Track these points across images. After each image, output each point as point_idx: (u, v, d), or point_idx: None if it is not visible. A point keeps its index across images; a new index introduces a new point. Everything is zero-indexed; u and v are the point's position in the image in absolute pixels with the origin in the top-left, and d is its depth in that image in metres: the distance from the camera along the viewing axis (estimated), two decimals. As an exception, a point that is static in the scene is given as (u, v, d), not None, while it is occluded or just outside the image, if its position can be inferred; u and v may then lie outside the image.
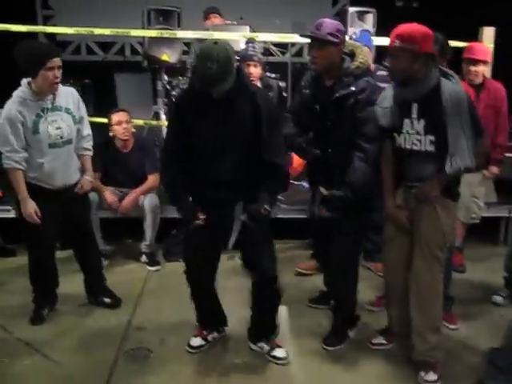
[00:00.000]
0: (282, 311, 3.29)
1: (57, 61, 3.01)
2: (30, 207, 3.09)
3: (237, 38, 4.62)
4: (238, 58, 3.35)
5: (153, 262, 4.21)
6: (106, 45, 7.83)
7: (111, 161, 4.16)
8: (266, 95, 2.84)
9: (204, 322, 3.15)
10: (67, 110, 3.17)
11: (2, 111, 3.10)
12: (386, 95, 2.78)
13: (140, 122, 4.67)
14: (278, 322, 3.10)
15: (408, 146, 2.71)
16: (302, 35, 2.94)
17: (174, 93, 5.13)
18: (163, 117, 4.99)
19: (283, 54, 7.50)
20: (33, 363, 2.92)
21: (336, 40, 2.76)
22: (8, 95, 3.13)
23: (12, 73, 3.08)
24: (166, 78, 5.14)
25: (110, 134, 4.16)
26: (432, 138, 2.65)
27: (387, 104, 2.75)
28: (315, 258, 4.01)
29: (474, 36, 4.81)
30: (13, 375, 2.83)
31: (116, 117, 4.13)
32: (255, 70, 3.95)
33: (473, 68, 3.70)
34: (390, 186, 2.86)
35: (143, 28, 4.92)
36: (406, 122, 2.70)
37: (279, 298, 2.98)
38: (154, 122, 4.94)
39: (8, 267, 4.12)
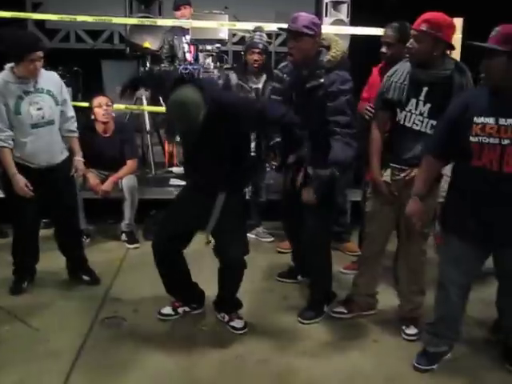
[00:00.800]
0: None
1: (38, 54, 3.14)
2: (21, 182, 3.22)
3: (215, 26, 4.77)
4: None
5: (132, 240, 4.38)
6: (94, 33, 7.98)
7: (92, 144, 4.24)
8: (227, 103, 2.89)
9: (170, 294, 3.29)
10: (49, 92, 3.30)
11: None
12: (401, 71, 2.92)
13: (121, 106, 4.83)
14: (239, 299, 3.24)
15: (408, 124, 2.90)
16: (279, 28, 3.13)
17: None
18: (145, 102, 5.15)
19: (269, 43, 7.64)
20: (13, 328, 3.11)
21: (311, 32, 2.94)
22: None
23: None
24: (149, 65, 5.29)
25: (92, 117, 4.31)
26: (434, 122, 2.83)
27: (400, 79, 2.90)
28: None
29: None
30: (-7, 339, 3.01)
31: (96, 100, 4.28)
32: (259, 58, 4.13)
33: None
34: (378, 158, 3.04)
35: (125, 16, 5.07)
36: (412, 101, 2.87)
37: (240, 281, 3.11)
38: (135, 107, 5.09)
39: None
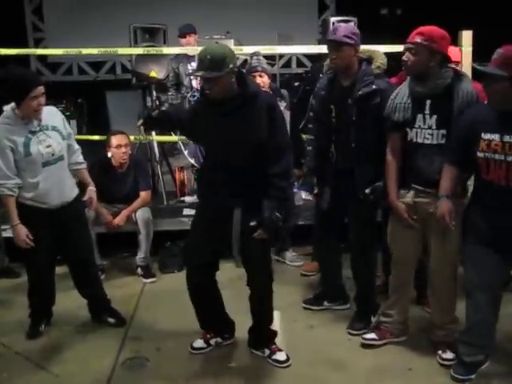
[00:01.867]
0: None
1: (40, 89, 3.05)
2: (22, 234, 3.11)
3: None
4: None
5: (148, 274, 4.27)
6: (97, 64, 7.98)
7: (107, 179, 4.18)
8: (273, 103, 2.87)
9: (204, 325, 3.22)
10: (54, 128, 3.21)
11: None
12: (402, 91, 2.95)
13: (130, 137, 4.76)
14: (274, 329, 3.17)
15: (420, 140, 2.90)
16: (321, 41, 3.17)
17: (163, 108, 5.22)
18: (153, 132, 5.09)
19: (272, 65, 7.64)
20: (31, 377, 2.98)
21: (351, 41, 3.04)
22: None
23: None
24: (155, 94, 5.24)
25: (109, 154, 4.20)
26: (444, 131, 2.84)
27: (403, 99, 2.92)
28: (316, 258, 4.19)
29: (455, 40, 4.94)
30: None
31: (115, 140, 4.17)
32: (262, 80, 4.10)
33: None
34: (395, 180, 3.02)
35: (130, 46, 5.03)
36: (419, 117, 2.88)
37: (270, 308, 3.08)
38: (143, 138, 5.02)
39: (12, 286, 4.17)
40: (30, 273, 3.38)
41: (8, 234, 4.41)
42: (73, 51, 4.89)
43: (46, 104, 3.16)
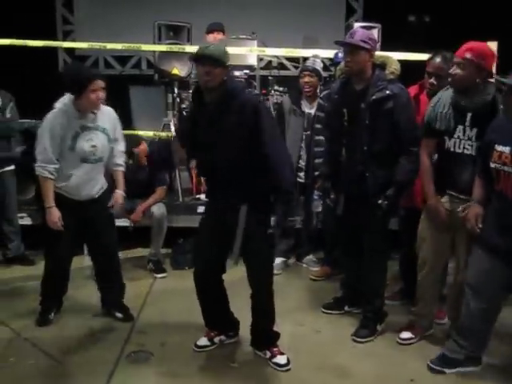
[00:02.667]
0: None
1: (100, 82, 3.17)
2: (55, 215, 3.20)
3: (245, 52, 4.74)
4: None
5: (159, 269, 4.31)
6: (122, 58, 8.03)
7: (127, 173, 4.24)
8: (257, 105, 2.83)
9: (209, 324, 3.24)
10: (104, 130, 3.29)
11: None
12: (443, 100, 3.02)
13: (149, 133, 4.81)
14: (276, 331, 3.16)
15: (458, 150, 2.98)
16: (336, 42, 3.27)
17: (183, 106, 5.27)
18: (173, 129, 5.13)
19: (296, 68, 7.62)
20: (37, 363, 3.03)
21: (367, 46, 3.06)
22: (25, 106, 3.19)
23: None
24: (176, 91, 5.28)
25: (130, 161, 4.19)
26: None
27: (445, 109, 2.99)
28: (328, 263, 4.28)
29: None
30: (18, 374, 2.93)
31: (143, 149, 4.34)
32: (310, 80, 4.19)
33: None
34: (433, 184, 3.10)
35: (154, 43, 5.07)
36: (460, 128, 2.96)
37: (272, 308, 3.08)
38: (163, 134, 5.07)
39: (26, 273, 4.26)
40: (48, 260, 3.45)
41: (25, 221, 4.56)
42: (98, 45, 4.96)
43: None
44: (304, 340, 3.35)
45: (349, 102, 3.18)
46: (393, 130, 3.09)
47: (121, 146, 3.52)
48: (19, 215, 4.58)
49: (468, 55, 2.86)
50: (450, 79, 2.97)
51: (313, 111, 4.20)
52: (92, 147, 3.23)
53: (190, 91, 5.26)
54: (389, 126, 3.09)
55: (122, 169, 3.55)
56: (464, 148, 2.96)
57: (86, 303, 3.70)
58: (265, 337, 3.14)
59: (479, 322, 2.91)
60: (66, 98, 3.21)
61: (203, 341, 3.20)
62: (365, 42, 3.06)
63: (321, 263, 4.40)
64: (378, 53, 3.30)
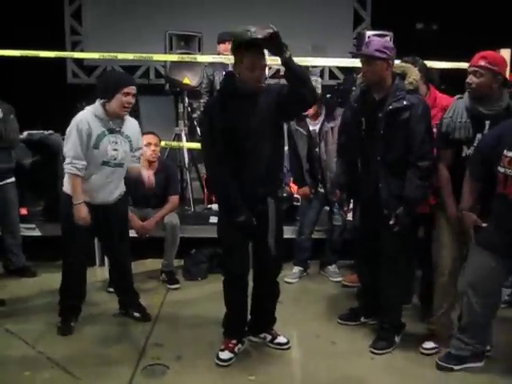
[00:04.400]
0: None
1: (133, 88, 3.25)
2: (84, 211, 3.23)
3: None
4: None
5: (172, 280, 4.27)
6: (131, 68, 8.04)
7: (135, 182, 4.21)
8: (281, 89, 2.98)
9: (233, 332, 3.23)
10: (127, 138, 3.37)
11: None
12: (458, 110, 3.03)
13: (161, 143, 4.78)
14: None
15: None
16: (352, 54, 3.33)
17: (195, 115, 5.26)
18: (184, 139, 5.11)
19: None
20: (52, 377, 2.99)
21: (383, 56, 3.02)
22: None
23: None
24: (187, 100, 5.27)
25: None
26: None
27: (463, 118, 3.01)
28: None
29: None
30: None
31: (146, 138, 4.20)
32: None
33: None
34: (451, 193, 3.10)
35: (165, 52, 5.06)
36: (478, 136, 2.98)
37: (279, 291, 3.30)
38: (175, 144, 5.05)
39: (29, 286, 4.23)
40: (66, 266, 3.46)
41: (34, 233, 4.54)
42: (109, 55, 4.95)
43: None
44: (320, 352, 3.30)
45: (367, 110, 3.16)
46: (407, 140, 3.05)
47: (138, 154, 3.60)
48: (28, 226, 4.57)
49: (482, 62, 2.90)
50: (466, 89, 2.99)
51: (317, 127, 4.25)
52: (114, 151, 3.30)
53: (202, 100, 5.29)
54: (404, 136, 3.05)
55: (138, 162, 3.60)
56: None
57: (100, 316, 3.67)
58: (268, 318, 3.31)
59: (482, 318, 2.99)
60: (96, 103, 3.28)
61: (226, 354, 3.15)
62: (381, 51, 3.02)
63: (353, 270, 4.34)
64: (398, 62, 3.25)
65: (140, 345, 3.34)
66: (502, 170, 2.77)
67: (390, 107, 3.04)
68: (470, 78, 2.94)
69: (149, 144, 4.20)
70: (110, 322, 3.59)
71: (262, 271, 3.17)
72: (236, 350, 3.20)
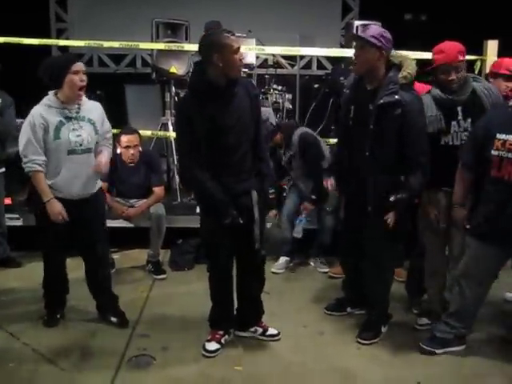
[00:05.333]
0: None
1: (80, 65, 3.10)
2: (57, 207, 3.12)
3: (244, 50, 4.66)
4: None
5: (158, 270, 4.25)
6: (117, 57, 7.95)
7: (117, 173, 4.17)
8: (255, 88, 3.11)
9: (220, 323, 3.22)
10: (90, 121, 3.20)
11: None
12: (428, 104, 3.08)
13: (147, 132, 4.75)
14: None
15: (457, 143, 3.09)
16: (348, 35, 3.10)
17: (181, 104, 5.20)
18: (171, 128, 5.07)
19: (292, 66, 7.59)
20: (37, 368, 2.96)
21: (377, 43, 2.93)
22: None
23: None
24: (174, 89, 5.22)
25: (118, 150, 4.14)
26: None
27: (433, 112, 3.08)
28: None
29: (481, 49, 4.86)
30: (18, 380, 2.87)
31: (125, 140, 4.13)
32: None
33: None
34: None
35: (152, 41, 5.01)
36: (453, 123, 3.08)
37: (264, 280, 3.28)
38: (161, 133, 5.01)
39: (14, 276, 4.18)
40: (47, 261, 3.39)
41: (16, 223, 4.49)
42: (95, 43, 4.89)
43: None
44: (308, 342, 3.31)
45: (358, 99, 3.09)
46: (400, 137, 2.96)
47: (109, 138, 3.43)
48: (12, 216, 4.52)
49: (461, 57, 3.02)
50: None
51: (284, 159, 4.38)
52: (77, 137, 3.13)
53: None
54: (395, 132, 2.95)
55: (108, 146, 3.41)
56: (461, 139, 3.08)
57: (85, 307, 3.62)
58: (256, 309, 3.29)
59: (472, 305, 3.08)
60: (50, 94, 3.14)
61: (213, 345, 3.14)
62: (376, 38, 2.92)
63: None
64: (397, 51, 3.13)
65: (126, 336, 3.31)
66: (496, 153, 2.84)
67: (382, 101, 2.93)
68: (454, 74, 2.99)
69: (128, 147, 4.13)
70: (96, 314, 3.54)
71: (247, 261, 3.15)
72: (222, 340, 3.18)
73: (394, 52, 3.07)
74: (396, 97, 2.91)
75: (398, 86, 2.93)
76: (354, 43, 3.09)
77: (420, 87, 3.54)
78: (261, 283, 3.27)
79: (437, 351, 3.14)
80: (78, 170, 3.19)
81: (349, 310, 3.63)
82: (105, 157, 3.29)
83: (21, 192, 4.72)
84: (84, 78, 3.10)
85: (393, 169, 3.02)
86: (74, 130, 3.14)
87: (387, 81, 2.96)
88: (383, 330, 3.36)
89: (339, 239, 3.68)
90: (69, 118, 3.14)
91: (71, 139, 3.13)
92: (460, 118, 3.05)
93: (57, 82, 3.08)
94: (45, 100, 3.15)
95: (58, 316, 3.46)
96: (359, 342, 3.28)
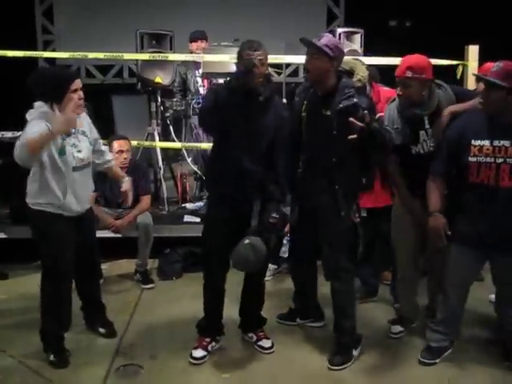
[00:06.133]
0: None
1: (79, 82, 2.96)
2: (58, 119, 2.85)
3: (229, 59, 4.71)
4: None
5: (146, 280, 4.25)
6: (104, 68, 7.97)
7: (106, 183, 4.14)
8: (284, 109, 3.11)
9: (207, 330, 3.24)
10: (83, 133, 3.10)
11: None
12: (393, 116, 3.12)
13: (134, 142, 4.75)
14: (263, 316, 3.38)
15: (427, 150, 3.10)
16: (301, 40, 3.02)
17: (167, 114, 5.23)
18: (157, 138, 5.08)
19: (279, 74, 7.63)
20: (23, 380, 2.96)
21: (330, 53, 2.87)
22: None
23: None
24: (160, 99, 5.24)
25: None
26: None
27: (399, 124, 3.10)
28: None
29: (462, 54, 4.93)
30: (4, 392, 2.87)
31: (117, 145, 4.16)
32: None
33: None
34: (403, 185, 3.21)
35: (136, 51, 5.03)
36: (421, 133, 3.08)
37: (264, 294, 3.33)
38: (147, 143, 5.02)
39: (2, 289, 4.15)
40: (52, 281, 3.09)
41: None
42: (79, 55, 4.90)
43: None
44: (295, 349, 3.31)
45: (309, 106, 3.04)
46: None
47: (101, 146, 3.35)
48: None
49: (409, 74, 2.94)
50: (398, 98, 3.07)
51: None
52: (79, 152, 3.02)
53: (174, 99, 5.25)
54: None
55: (113, 163, 3.44)
56: (430, 147, 3.08)
57: (73, 318, 3.58)
58: (253, 320, 3.34)
59: (458, 309, 3.14)
60: (44, 107, 2.91)
61: (199, 352, 3.15)
62: (329, 47, 2.87)
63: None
64: (347, 58, 3.15)
65: (114, 345, 3.32)
66: (473, 159, 2.85)
67: (341, 105, 2.89)
68: (400, 90, 3.00)
69: (120, 152, 4.16)
70: (83, 324, 3.52)
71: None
72: (209, 348, 3.19)
73: (344, 58, 3.05)
74: (354, 100, 2.88)
75: (353, 90, 2.93)
76: (307, 50, 2.98)
77: (385, 92, 3.60)
78: (259, 296, 3.31)
79: (437, 361, 3.16)
80: (79, 186, 3.08)
81: (298, 320, 3.58)
82: (128, 185, 3.41)
83: (3, 205, 4.72)
84: (82, 94, 2.97)
85: (356, 169, 3.00)
86: (73, 145, 3.00)
87: (342, 86, 2.94)
88: (355, 353, 3.18)
89: (290, 248, 3.54)
90: (68, 134, 2.97)
91: (75, 155, 3.01)
92: (427, 127, 3.05)
93: (56, 98, 2.90)
94: (40, 115, 2.89)
95: (69, 353, 3.20)
96: (330, 369, 3.08)
